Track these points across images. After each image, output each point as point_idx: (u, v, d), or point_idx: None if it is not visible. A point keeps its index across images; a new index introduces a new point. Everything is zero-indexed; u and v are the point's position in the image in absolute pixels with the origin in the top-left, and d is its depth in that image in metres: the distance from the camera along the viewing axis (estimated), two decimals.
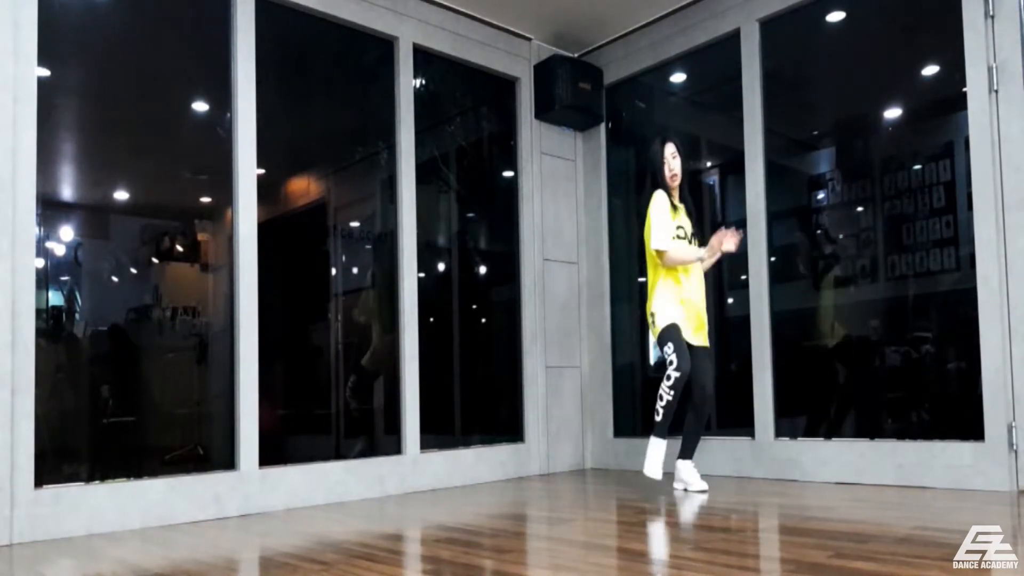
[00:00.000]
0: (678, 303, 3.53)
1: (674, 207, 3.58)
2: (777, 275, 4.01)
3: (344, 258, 4.14)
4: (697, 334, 3.56)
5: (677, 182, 3.59)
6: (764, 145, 4.03)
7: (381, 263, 4.13)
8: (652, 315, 3.56)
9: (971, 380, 3.33)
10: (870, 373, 3.80)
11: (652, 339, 3.60)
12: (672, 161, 3.56)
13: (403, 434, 3.92)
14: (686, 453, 3.60)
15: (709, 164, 4.60)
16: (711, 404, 3.62)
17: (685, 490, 3.53)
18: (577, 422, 4.76)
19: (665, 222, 3.50)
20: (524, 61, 4.66)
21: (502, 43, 4.55)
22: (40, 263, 2.98)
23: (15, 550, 2.68)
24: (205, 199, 3.67)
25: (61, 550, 2.67)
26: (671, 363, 3.40)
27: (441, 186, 4.46)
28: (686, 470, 3.57)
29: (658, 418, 3.43)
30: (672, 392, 3.37)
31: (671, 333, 3.47)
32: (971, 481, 3.27)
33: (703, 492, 3.47)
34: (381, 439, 4.02)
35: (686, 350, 3.43)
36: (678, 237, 3.54)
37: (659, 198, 3.54)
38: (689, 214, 3.65)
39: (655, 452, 3.46)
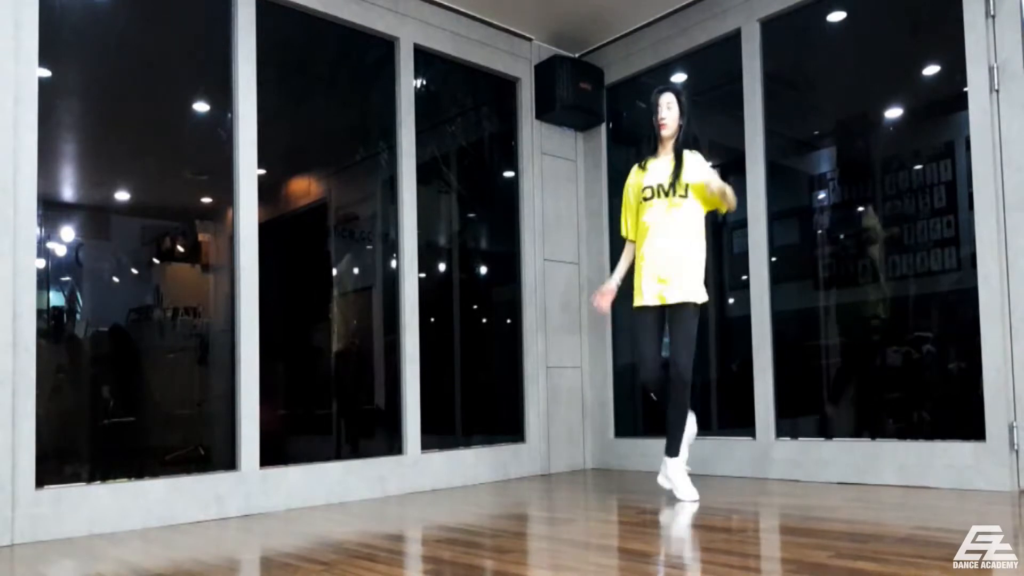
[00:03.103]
0: (639, 271, 3.35)
1: (641, 167, 3.42)
2: (777, 275, 4.00)
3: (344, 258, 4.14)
4: (664, 285, 3.26)
5: (666, 131, 3.36)
6: (765, 145, 4.03)
7: (356, 263, 4.14)
8: None
9: (972, 380, 3.32)
10: (871, 373, 3.80)
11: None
12: (664, 110, 3.36)
13: (404, 434, 3.92)
14: (670, 449, 3.33)
15: (710, 164, 4.59)
16: (683, 384, 3.24)
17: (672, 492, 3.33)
18: (577, 422, 4.76)
19: (625, 206, 3.51)
20: (525, 61, 4.66)
21: (503, 43, 4.55)
22: (41, 264, 2.98)
23: (16, 550, 2.68)
24: (206, 199, 3.67)
25: (62, 550, 2.67)
26: (638, 367, 3.39)
27: (442, 186, 4.46)
28: (672, 468, 3.33)
29: (671, 431, 3.34)
30: (658, 400, 3.35)
31: (636, 328, 3.38)
32: (972, 481, 3.26)
33: (693, 501, 3.23)
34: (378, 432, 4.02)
35: (644, 356, 3.33)
36: (645, 198, 3.36)
37: (632, 172, 3.51)
38: (680, 164, 3.34)
39: (680, 472, 3.33)
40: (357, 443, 4.00)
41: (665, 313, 3.34)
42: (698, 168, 3.36)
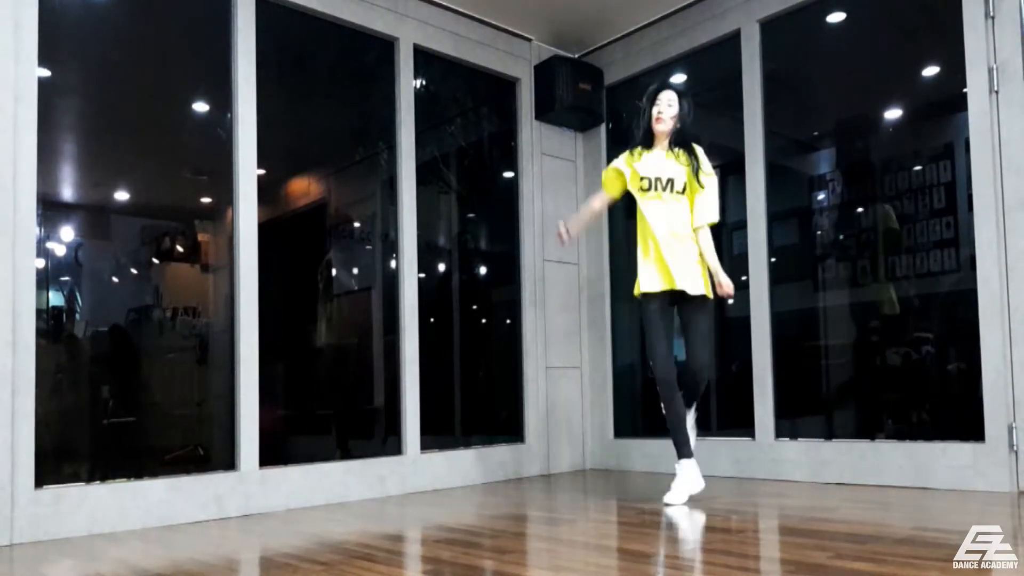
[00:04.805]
0: (646, 258, 3.18)
1: (637, 153, 3.29)
2: (777, 276, 4.01)
3: (344, 258, 4.14)
4: (681, 277, 3.13)
5: (662, 127, 3.24)
6: (764, 146, 4.03)
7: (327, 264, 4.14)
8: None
9: (971, 381, 3.33)
10: (870, 374, 3.80)
11: None
12: (665, 106, 3.24)
13: (403, 435, 3.92)
14: (685, 449, 3.28)
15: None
16: (704, 384, 3.28)
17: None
18: (577, 422, 4.76)
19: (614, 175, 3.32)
20: (524, 62, 4.66)
21: (502, 44, 4.55)
22: (41, 263, 2.98)
23: (15, 550, 2.68)
24: (205, 199, 3.67)
25: (62, 550, 2.67)
26: (651, 364, 3.15)
27: (441, 187, 4.46)
28: (691, 467, 3.26)
29: (671, 435, 3.20)
30: (663, 400, 3.16)
31: (645, 321, 3.18)
32: (971, 482, 3.27)
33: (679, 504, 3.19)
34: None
35: (658, 349, 3.12)
36: (643, 189, 3.22)
37: (622, 158, 3.34)
38: (687, 163, 3.25)
39: (681, 475, 3.17)
40: (357, 443, 4.00)
41: (674, 308, 3.23)
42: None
